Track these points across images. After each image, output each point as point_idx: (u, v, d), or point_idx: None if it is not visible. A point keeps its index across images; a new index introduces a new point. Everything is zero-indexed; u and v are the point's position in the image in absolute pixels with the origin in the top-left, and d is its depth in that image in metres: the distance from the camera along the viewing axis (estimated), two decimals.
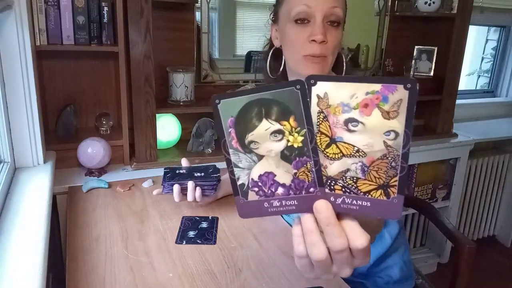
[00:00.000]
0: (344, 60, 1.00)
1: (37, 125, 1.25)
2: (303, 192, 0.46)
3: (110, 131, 1.57)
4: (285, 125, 0.44)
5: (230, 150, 0.46)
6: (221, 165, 1.38)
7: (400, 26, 2.08)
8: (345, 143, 0.43)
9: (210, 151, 1.63)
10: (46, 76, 1.52)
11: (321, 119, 0.43)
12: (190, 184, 1.03)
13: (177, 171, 1.08)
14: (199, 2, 1.64)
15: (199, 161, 1.55)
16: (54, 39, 1.37)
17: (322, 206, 0.45)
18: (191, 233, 1.01)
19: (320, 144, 0.44)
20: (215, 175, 1.07)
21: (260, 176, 0.46)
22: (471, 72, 2.86)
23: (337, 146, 0.44)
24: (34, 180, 1.18)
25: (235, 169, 0.46)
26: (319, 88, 0.42)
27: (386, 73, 2.12)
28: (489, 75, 2.80)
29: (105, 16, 1.41)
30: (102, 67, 1.59)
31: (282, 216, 1.12)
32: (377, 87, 0.41)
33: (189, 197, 1.03)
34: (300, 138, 0.44)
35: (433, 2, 1.93)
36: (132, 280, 0.83)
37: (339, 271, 0.47)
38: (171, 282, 0.83)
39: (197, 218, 1.09)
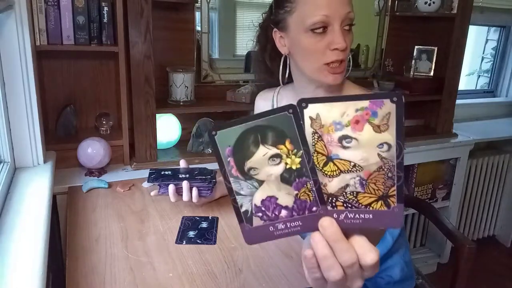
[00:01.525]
0: (350, 60, 0.99)
1: (37, 125, 1.25)
2: (306, 212, 0.47)
3: (110, 131, 1.57)
4: (281, 149, 0.45)
5: (231, 179, 0.47)
6: None
7: (400, 26, 2.08)
8: (341, 159, 0.45)
9: (210, 151, 1.63)
10: (46, 76, 1.52)
11: (316, 139, 0.45)
12: (184, 184, 1.03)
13: (162, 172, 1.09)
14: (199, 2, 1.64)
15: (199, 161, 1.55)
16: (54, 39, 1.37)
17: (327, 223, 0.46)
18: (191, 233, 1.01)
19: (318, 163, 0.45)
20: (209, 176, 1.08)
21: (262, 201, 0.47)
22: (471, 72, 2.86)
23: (334, 164, 0.45)
24: (34, 180, 1.18)
25: (237, 197, 0.48)
26: (311, 110, 0.44)
27: (386, 73, 2.12)
28: (489, 75, 2.80)
29: (105, 16, 1.41)
30: (102, 67, 1.59)
31: None
32: (365, 103, 0.42)
33: (184, 197, 1.04)
34: (298, 160, 0.45)
35: (433, 2, 1.93)
36: (132, 280, 0.83)
37: (351, 284, 0.48)
38: (171, 282, 0.83)
39: (197, 218, 1.09)
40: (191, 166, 1.16)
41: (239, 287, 0.82)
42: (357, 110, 0.43)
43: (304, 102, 0.44)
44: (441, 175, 2.14)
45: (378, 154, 0.44)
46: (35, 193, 1.10)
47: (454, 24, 1.93)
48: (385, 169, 0.44)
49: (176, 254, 0.93)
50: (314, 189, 0.46)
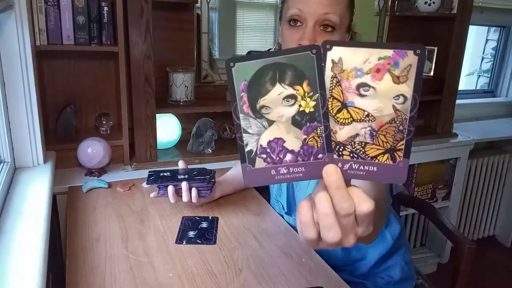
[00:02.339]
0: None
1: (37, 125, 1.25)
2: (312, 158, 0.46)
3: (110, 131, 1.57)
4: (298, 90, 0.44)
5: (241, 115, 0.46)
6: (221, 165, 1.38)
7: (400, 26, 2.08)
8: (356, 107, 0.44)
9: (210, 151, 1.63)
10: (46, 76, 1.52)
11: (334, 84, 0.44)
12: (184, 185, 1.03)
13: (160, 174, 1.09)
14: (199, 2, 1.64)
15: (198, 161, 1.55)
16: (54, 39, 1.37)
17: (332, 170, 0.45)
18: (191, 233, 1.01)
19: (332, 109, 0.45)
20: (208, 176, 1.08)
21: (269, 142, 0.46)
22: (471, 72, 2.86)
23: (348, 111, 0.44)
24: (34, 180, 1.18)
25: (244, 134, 0.46)
26: (334, 53, 0.43)
27: None
28: (489, 75, 2.80)
29: (105, 16, 1.41)
30: (102, 67, 1.59)
31: (282, 216, 1.12)
32: (389, 52, 0.42)
33: (184, 198, 1.04)
34: (312, 103, 0.44)
35: (433, 2, 1.93)
36: (132, 280, 0.83)
37: (344, 239, 0.48)
38: (171, 282, 0.83)
39: (197, 218, 1.09)
40: (190, 167, 1.16)
41: (239, 287, 0.82)
42: (379, 59, 0.42)
43: (329, 44, 0.43)
44: (441, 175, 2.14)
45: (393, 106, 0.43)
46: (35, 193, 1.10)
47: (454, 24, 1.93)
48: (397, 122, 0.44)
49: (176, 254, 0.93)
50: (323, 135, 0.45)
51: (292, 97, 0.44)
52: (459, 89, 2.07)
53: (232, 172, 1.25)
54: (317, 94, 0.44)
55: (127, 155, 1.53)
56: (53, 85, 1.53)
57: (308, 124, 0.45)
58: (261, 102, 0.45)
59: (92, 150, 1.37)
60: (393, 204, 1.23)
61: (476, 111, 2.58)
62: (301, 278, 0.86)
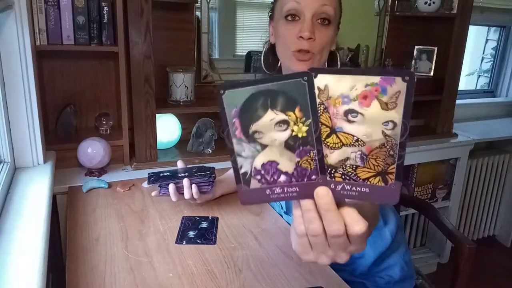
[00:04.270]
0: (338, 59, 1.00)
1: (37, 125, 1.25)
2: (305, 179, 0.47)
3: (110, 131, 1.57)
4: (290, 116, 0.44)
5: (234, 140, 0.46)
6: (221, 165, 1.38)
7: (400, 26, 2.08)
8: (345, 133, 0.45)
9: (210, 151, 1.63)
10: (46, 76, 1.52)
11: (321, 110, 0.44)
12: (185, 181, 1.03)
13: (160, 174, 1.09)
14: (199, 2, 1.64)
15: (198, 161, 1.55)
16: (54, 39, 1.37)
17: (323, 192, 0.46)
18: (191, 233, 1.01)
19: (321, 134, 0.45)
20: (208, 171, 1.08)
21: (263, 164, 0.47)
22: (471, 72, 2.86)
23: (337, 136, 0.45)
24: (34, 180, 1.18)
25: (237, 158, 0.47)
26: (320, 81, 0.43)
27: None
28: (489, 75, 2.80)
29: (105, 16, 1.41)
30: (102, 67, 1.59)
31: (282, 216, 1.13)
32: (376, 79, 0.42)
33: (186, 195, 1.03)
34: (305, 128, 0.45)
35: (433, 2, 1.93)
36: (132, 280, 0.83)
37: (335, 255, 0.49)
38: (171, 282, 0.83)
39: (197, 218, 1.09)
40: (189, 166, 1.16)
41: (239, 287, 0.82)
42: (366, 85, 0.42)
43: (314, 71, 0.43)
44: (441, 175, 2.14)
45: (382, 131, 0.44)
46: (35, 193, 1.10)
47: (454, 24, 1.93)
48: (388, 147, 0.44)
49: (176, 254, 0.93)
50: (316, 158, 0.46)
51: (285, 122, 0.45)
52: (459, 89, 2.07)
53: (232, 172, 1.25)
54: (310, 120, 0.44)
55: (127, 155, 1.53)
56: (53, 85, 1.53)
57: (301, 148, 0.46)
58: (254, 127, 0.45)
59: (92, 150, 1.37)
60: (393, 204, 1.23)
61: (476, 111, 2.58)
62: (301, 278, 0.86)
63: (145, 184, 1.29)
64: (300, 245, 0.51)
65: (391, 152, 0.44)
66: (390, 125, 0.43)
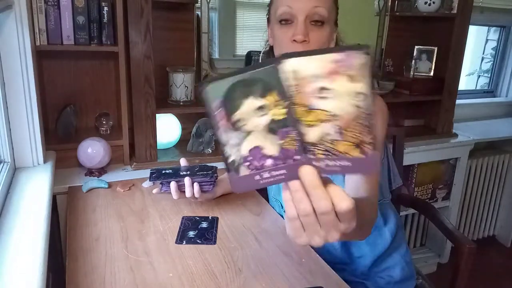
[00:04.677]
0: None
1: (37, 125, 1.25)
2: (291, 160, 0.50)
3: (110, 131, 1.57)
4: (268, 100, 0.47)
5: (220, 130, 0.49)
6: (221, 165, 1.38)
7: (400, 26, 2.08)
8: (320, 109, 0.47)
9: (210, 151, 1.63)
10: (46, 76, 1.52)
11: (296, 91, 0.47)
12: (187, 180, 1.03)
13: (162, 171, 1.08)
14: (199, 2, 1.64)
15: (199, 161, 1.55)
16: (54, 39, 1.36)
17: (307, 171, 0.49)
18: (191, 233, 1.01)
19: (298, 114, 0.48)
20: (210, 171, 1.08)
21: (250, 150, 0.50)
22: (471, 72, 2.86)
23: (313, 114, 0.48)
24: (34, 180, 1.18)
25: (225, 147, 0.50)
26: (291, 65, 0.46)
27: (386, 73, 2.12)
28: (489, 75, 2.80)
29: (105, 16, 1.41)
30: (102, 67, 1.59)
31: (282, 216, 1.13)
32: (341, 55, 0.45)
33: (187, 193, 1.03)
34: (283, 110, 0.48)
35: (433, 2, 1.93)
36: (132, 280, 0.83)
37: (327, 234, 0.52)
38: (171, 282, 0.83)
39: (197, 218, 1.09)
40: (191, 165, 1.16)
41: (239, 287, 0.82)
42: (332, 62, 0.45)
43: (282, 57, 0.46)
44: (441, 175, 2.14)
45: (355, 104, 0.46)
46: (35, 193, 1.10)
47: (454, 24, 1.93)
48: (362, 118, 0.46)
49: (176, 254, 0.93)
50: (298, 138, 0.49)
51: (264, 107, 0.48)
52: (459, 89, 2.07)
53: None
54: (286, 102, 0.47)
55: (127, 155, 1.53)
56: (53, 85, 1.53)
57: (282, 129, 0.48)
58: (237, 115, 0.48)
59: (92, 150, 1.37)
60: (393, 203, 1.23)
61: (476, 111, 2.58)
62: (301, 278, 0.86)
63: (145, 184, 1.29)
64: (293, 229, 0.53)
65: (366, 123, 0.46)
66: (361, 96, 0.45)
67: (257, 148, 0.50)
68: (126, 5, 1.38)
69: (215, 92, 0.47)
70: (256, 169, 0.50)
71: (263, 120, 0.48)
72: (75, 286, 0.81)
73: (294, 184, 0.50)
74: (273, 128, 0.48)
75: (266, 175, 0.51)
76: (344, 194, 0.49)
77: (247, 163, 0.50)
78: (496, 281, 2.22)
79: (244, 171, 0.51)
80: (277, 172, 0.50)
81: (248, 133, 0.49)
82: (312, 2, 0.87)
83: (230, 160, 0.50)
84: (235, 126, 0.49)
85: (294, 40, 0.88)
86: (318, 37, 0.90)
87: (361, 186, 0.76)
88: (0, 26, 1.14)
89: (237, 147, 0.50)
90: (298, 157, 0.49)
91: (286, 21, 0.90)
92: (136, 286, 0.81)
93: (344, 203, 0.49)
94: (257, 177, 0.51)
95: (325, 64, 0.45)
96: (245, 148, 0.50)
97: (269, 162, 0.50)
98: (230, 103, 0.48)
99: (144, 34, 1.40)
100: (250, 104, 0.47)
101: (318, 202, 0.49)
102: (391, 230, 1.06)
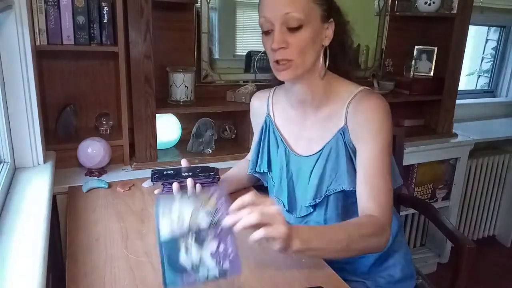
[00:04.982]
0: (328, 54, 0.97)
1: (37, 125, 1.25)
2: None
3: (110, 131, 1.57)
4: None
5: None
6: (221, 165, 1.38)
7: (400, 26, 2.08)
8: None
9: (210, 151, 1.63)
10: (46, 76, 1.52)
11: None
12: (189, 181, 1.03)
13: (164, 172, 1.08)
14: (199, 2, 1.64)
15: (199, 161, 1.55)
16: (54, 39, 1.36)
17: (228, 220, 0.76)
18: None
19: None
20: (212, 172, 1.08)
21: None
22: (471, 72, 2.86)
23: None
24: (34, 180, 1.18)
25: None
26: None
27: (386, 73, 2.12)
28: (489, 75, 2.80)
29: (105, 16, 1.41)
30: (102, 67, 1.59)
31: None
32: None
33: (189, 194, 1.03)
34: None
35: (433, 2, 1.93)
36: (132, 280, 0.83)
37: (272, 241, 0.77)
38: None
39: None
40: (192, 166, 1.16)
41: (239, 287, 0.82)
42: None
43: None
44: (441, 175, 2.14)
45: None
46: (35, 193, 1.10)
47: (454, 24, 1.93)
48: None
49: None
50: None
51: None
52: (459, 89, 2.07)
53: (233, 171, 1.25)
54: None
55: (127, 155, 1.53)
56: (53, 85, 1.53)
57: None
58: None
59: (92, 150, 1.37)
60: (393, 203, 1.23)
61: (476, 111, 2.58)
62: (301, 278, 0.86)
63: (145, 184, 1.29)
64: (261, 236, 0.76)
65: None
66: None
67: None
68: (126, 5, 1.38)
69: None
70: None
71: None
72: (75, 286, 0.80)
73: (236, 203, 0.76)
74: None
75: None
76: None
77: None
78: (496, 281, 2.22)
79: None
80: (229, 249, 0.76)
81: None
82: (283, 9, 0.88)
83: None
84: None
85: (273, 49, 0.90)
86: (298, 41, 0.90)
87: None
88: (0, 26, 1.14)
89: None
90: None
91: (266, 31, 0.92)
92: (136, 286, 0.81)
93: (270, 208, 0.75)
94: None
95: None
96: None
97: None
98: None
99: (144, 34, 1.40)
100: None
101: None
102: (391, 230, 1.06)
